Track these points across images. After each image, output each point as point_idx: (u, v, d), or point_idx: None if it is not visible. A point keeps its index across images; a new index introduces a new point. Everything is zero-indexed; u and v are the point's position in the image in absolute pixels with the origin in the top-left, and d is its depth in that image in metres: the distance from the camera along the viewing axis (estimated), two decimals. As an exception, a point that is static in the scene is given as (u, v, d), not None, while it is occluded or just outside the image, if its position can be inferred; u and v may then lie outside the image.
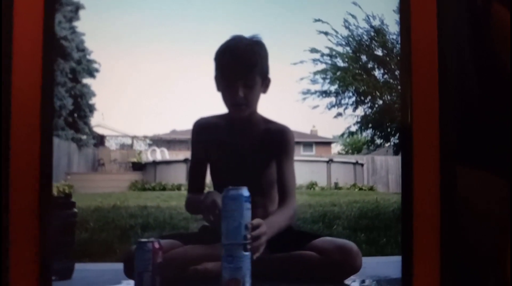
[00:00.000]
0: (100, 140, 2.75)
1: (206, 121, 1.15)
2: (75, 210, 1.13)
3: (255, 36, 1.11)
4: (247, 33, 1.13)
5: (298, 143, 3.00)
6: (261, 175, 1.13)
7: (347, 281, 1.08)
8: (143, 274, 0.93)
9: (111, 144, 2.81)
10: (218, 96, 1.13)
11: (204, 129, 1.15)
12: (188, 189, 1.16)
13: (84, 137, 2.63)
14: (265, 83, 1.10)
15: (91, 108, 2.63)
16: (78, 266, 1.09)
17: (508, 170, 0.89)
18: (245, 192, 0.90)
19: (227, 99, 1.09)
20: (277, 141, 1.13)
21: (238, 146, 1.12)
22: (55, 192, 1.05)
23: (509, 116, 0.90)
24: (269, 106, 1.23)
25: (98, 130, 2.73)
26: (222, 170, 1.14)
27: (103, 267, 1.26)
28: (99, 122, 2.71)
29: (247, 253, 0.89)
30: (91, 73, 2.63)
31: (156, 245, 0.94)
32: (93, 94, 2.63)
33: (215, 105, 1.25)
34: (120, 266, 1.01)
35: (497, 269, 0.92)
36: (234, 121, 1.12)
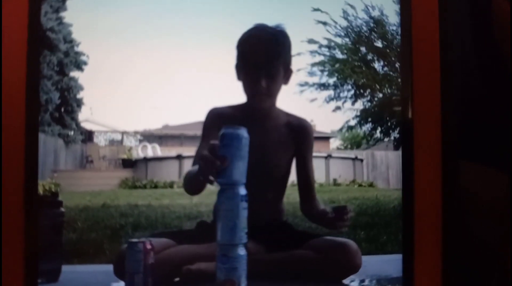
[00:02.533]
0: (88, 136, 2.74)
1: (221, 110, 1.14)
2: (63, 209, 1.12)
3: (279, 26, 1.13)
4: (242, 24, 1.13)
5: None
6: (278, 169, 1.14)
7: (346, 281, 1.09)
8: (134, 275, 0.93)
9: (100, 140, 2.80)
10: (212, 90, 1.13)
11: (220, 118, 1.13)
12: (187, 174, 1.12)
13: (71, 132, 2.61)
14: (287, 74, 1.13)
15: (79, 103, 2.62)
16: (65, 268, 1.09)
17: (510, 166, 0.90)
18: (242, 190, 0.90)
19: (248, 89, 1.10)
20: (300, 135, 1.15)
21: (256, 138, 1.13)
22: (41, 190, 1.05)
23: (513, 109, 0.90)
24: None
25: (86, 126, 2.72)
26: None
27: (92, 268, 1.26)
28: (87, 117, 2.69)
29: (242, 253, 0.89)
30: (79, 65, 2.61)
31: (148, 246, 0.95)
32: (81, 88, 2.62)
33: (208, 99, 1.25)
34: (110, 267, 1.01)
35: (500, 267, 0.92)
36: (254, 112, 1.12)
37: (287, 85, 1.14)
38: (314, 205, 1.19)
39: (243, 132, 0.92)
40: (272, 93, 1.12)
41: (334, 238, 1.12)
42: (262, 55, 1.10)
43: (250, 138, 1.10)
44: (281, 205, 1.19)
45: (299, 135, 1.17)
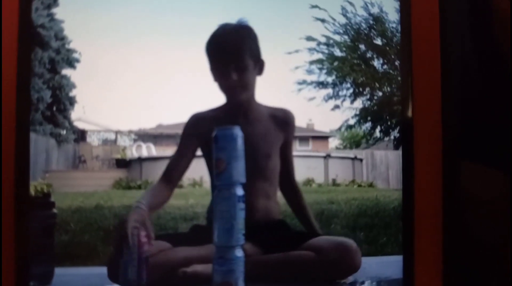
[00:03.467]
0: (81, 135, 2.73)
1: (203, 114, 1.19)
2: (55, 210, 1.12)
3: (240, 21, 1.18)
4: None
5: (294, 137, 3.01)
6: (270, 160, 1.16)
7: (346, 282, 1.09)
8: (128, 266, 0.93)
9: (93, 139, 2.79)
10: (207, 88, 1.13)
11: (201, 120, 1.17)
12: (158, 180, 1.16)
13: (63, 132, 2.60)
14: (259, 65, 1.16)
15: (71, 101, 2.61)
16: (58, 270, 1.08)
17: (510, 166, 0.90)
18: (239, 190, 0.90)
19: (222, 85, 1.15)
20: (284, 125, 1.20)
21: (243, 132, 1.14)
22: (32, 191, 1.05)
23: (514, 108, 0.91)
24: (264, 98, 1.24)
25: (79, 125, 2.71)
26: None
27: (85, 271, 1.26)
28: (79, 116, 2.68)
29: (240, 255, 0.89)
30: (71, 63, 2.60)
31: (143, 238, 0.95)
32: (73, 86, 2.61)
33: (203, 97, 1.25)
34: (103, 270, 1.01)
35: (500, 268, 0.93)
36: (233, 107, 1.16)
37: (261, 75, 1.18)
38: (295, 186, 1.24)
39: (237, 131, 0.92)
40: (245, 85, 1.16)
41: (333, 237, 1.12)
42: (227, 50, 1.15)
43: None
44: (276, 201, 1.20)
45: (286, 125, 1.21)
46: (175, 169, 1.17)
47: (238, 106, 1.17)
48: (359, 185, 2.82)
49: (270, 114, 1.21)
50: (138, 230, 0.99)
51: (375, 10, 2.18)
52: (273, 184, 1.20)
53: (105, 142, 2.74)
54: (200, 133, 1.15)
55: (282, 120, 1.21)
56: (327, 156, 2.87)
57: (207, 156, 1.17)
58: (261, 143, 1.17)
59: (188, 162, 1.18)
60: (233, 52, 1.15)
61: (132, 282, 0.96)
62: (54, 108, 2.57)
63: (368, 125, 2.56)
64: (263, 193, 1.16)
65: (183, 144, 1.18)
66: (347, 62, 2.38)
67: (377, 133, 2.59)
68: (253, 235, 0.96)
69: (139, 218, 1.02)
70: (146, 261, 0.97)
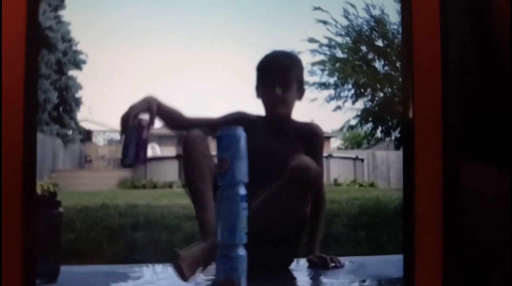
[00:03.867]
0: (87, 135, 2.73)
1: (245, 115, 1.26)
2: (61, 209, 1.12)
3: (292, 51, 1.33)
4: (242, 23, 1.19)
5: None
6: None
7: (346, 280, 1.09)
8: (128, 146, 1.05)
9: (98, 139, 2.79)
10: (212, 88, 1.14)
11: (244, 119, 1.24)
12: None
13: (70, 132, 2.61)
14: (300, 91, 1.27)
15: (78, 102, 2.61)
16: (64, 268, 1.08)
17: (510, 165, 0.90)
18: (241, 190, 0.90)
19: (265, 98, 1.24)
20: (310, 138, 1.25)
21: (273, 145, 1.22)
22: (39, 190, 1.05)
23: (514, 109, 0.90)
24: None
25: (85, 125, 2.71)
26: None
27: (90, 269, 1.26)
28: (86, 116, 2.69)
29: (242, 254, 0.89)
30: (78, 64, 2.60)
31: (143, 122, 1.07)
32: (80, 87, 2.61)
33: (208, 97, 1.26)
34: (109, 268, 1.01)
35: (501, 267, 0.92)
36: (270, 120, 1.24)
37: (300, 100, 1.28)
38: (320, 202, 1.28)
39: (240, 132, 0.92)
40: (286, 102, 1.24)
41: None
42: (277, 67, 1.24)
43: (268, 145, 1.20)
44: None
45: (311, 140, 1.25)
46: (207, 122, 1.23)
47: (275, 119, 1.24)
48: (361, 185, 2.82)
49: (301, 130, 1.26)
50: (140, 115, 1.07)
51: (376, 12, 2.18)
52: None
53: (111, 142, 2.74)
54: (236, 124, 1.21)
55: (309, 134, 1.26)
56: (329, 156, 2.87)
57: None
58: (283, 156, 1.19)
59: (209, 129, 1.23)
60: (282, 71, 1.24)
61: (129, 159, 1.06)
62: (61, 109, 2.57)
63: (369, 125, 2.56)
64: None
65: (219, 121, 1.22)
66: (349, 64, 2.37)
67: (378, 133, 2.59)
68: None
69: (145, 106, 1.10)
70: (145, 143, 1.05)
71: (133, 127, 1.06)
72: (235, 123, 1.19)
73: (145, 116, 1.11)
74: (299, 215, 1.18)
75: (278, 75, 1.23)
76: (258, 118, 1.27)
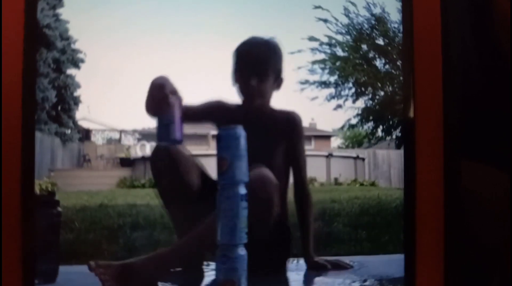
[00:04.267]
0: (85, 134, 2.73)
1: (224, 103, 1.25)
2: (60, 209, 1.12)
3: (272, 38, 1.26)
4: (243, 22, 1.20)
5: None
6: (271, 163, 1.15)
7: (347, 280, 1.09)
8: (169, 125, 1.02)
9: (97, 138, 2.79)
10: (211, 87, 1.14)
11: (222, 107, 1.24)
12: None
13: (68, 131, 2.61)
14: (278, 81, 1.24)
15: (76, 101, 2.61)
16: (63, 268, 1.08)
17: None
18: (241, 189, 0.90)
19: (240, 89, 1.21)
20: (287, 127, 1.22)
21: (251, 136, 1.16)
22: (37, 190, 1.05)
23: (516, 108, 0.90)
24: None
25: (84, 124, 2.71)
26: None
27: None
28: (84, 115, 2.69)
29: (243, 253, 0.89)
30: (76, 63, 2.60)
31: (180, 100, 1.04)
32: (78, 86, 2.61)
33: (207, 96, 1.26)
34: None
35: (502, 267, 0.92)
36: (247, 111, 1.22)
37: (278, 90, 1.25)
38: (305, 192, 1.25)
39: (240, 131, 0.92)
40: (261, 93, 1.21)
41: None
42: (253, 57, 1.21)
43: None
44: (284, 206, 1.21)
45: (291, 130, 1.23)
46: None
47: (251, 110, 1.21)
48: (361, 184, 2.82)
49: (280, 119, 1.24)
50: (175, 92, 1.04)
51: (377, 11, 2.18)
52: (283, 177, 1.21)
53: (110, 141, 2.75)
54: (216, 115, 1.22)
55: (288, 123, 1.23)
56: (330, 155, 2.87)
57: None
58: (261, 143, 1.17)
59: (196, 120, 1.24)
60: (258, 62, 1.21)
61: (176, 140, 1.02)
62: (59, 108, 2.57)
63: (370, 124, 2.56)
64: None
65: (199, 107, 1.22)
66: (350, 62, 2.37)
67: (379, 132, 2.59)
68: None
69: (171, 84, 1.06)
70: (182, 120, 1.03)
71: (170, 106, 1.02)
72: (214, 111, 1.23)
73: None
74: (269, 226, 1.11)
75: (254, 65, 1.20)
76: (236, 107, 1.24)
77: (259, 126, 1.18)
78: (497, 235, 0.93)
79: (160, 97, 1.02)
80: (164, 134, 1.02)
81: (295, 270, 1.21)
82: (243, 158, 0.91)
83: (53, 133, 2.55)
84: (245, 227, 0.90)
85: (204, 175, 1.19)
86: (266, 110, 1.24)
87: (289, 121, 1.24)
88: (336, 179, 2.81)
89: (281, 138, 1.22)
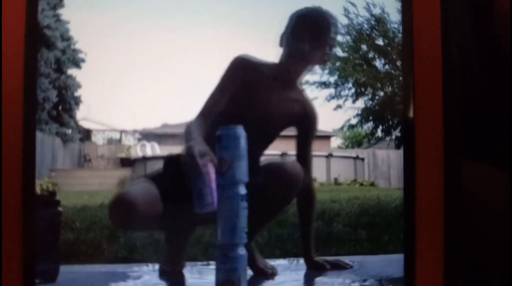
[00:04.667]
0: (86, 134, 2.73)
1: (250, 62, 1.19)
2: (60, 209, 1.12)
3: (332, 13, 1.23)
4: (243, 23, 1.19)
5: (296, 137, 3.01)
6: (273, 139, 1.19)
7: (347, 280, 1.09)
8: (202, 190, 0.96)
9: (98, 138, 2.79)
10: (210, 88, 1.14)
11: (248, 67, 1.18)
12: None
13: (69, 131, 2.61)
14: (326, 55, 1.20)
15: (77, 101, 2.61)
16: (63, 268, 1.08)
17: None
18: (242, 189, 0.90)
19: (289, 51, 1.18)
20: (307, 118, 1.21)
21: (270, 101, 1.16)
22: (38, 190, 1.05)
23: (516, 108, 0.90)
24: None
25: (84, 124, 2.71)
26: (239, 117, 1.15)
27: (90, 269, 1.26)
28: (85, 115, 2.69)
29: (243, 253, 0.89)
30: (77, 63, 2.60)
31: (213, 163, 0.97)
32: (79, 86, 2.61)
33: (205, 97, 1.25)
34: (108, 267, 1.01)
35: (502, 267, 0.92)
36: (282, 73, 1.18)
37: (322, 65, 1.25)
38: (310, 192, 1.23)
39: (240, 131, 0.92)
40: (309, 60, 1.19)
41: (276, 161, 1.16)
42: (315, 25, 1.18)
43: (272, 93, 1.15)
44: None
45: (306, 119, 1.22)
46: (214, 105, 1.17)
47: (286, 74, 1.19)
48: (361, 184, 2.82)
49: (301, 101, 1.21)
50: (206, 158, 0.98)
51: (377, 11, 2.18)
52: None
53: (110, 141, 2.74)
54: (244, 77, 1.16)
55: (305, 111, 1.21)
56: (329, 155, 2.87)
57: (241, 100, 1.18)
58: (275, 119, 1.18)
59: (225, 101, 1.17)
60: (317, 29, 1.18)
61: (210, 205, 0.95)
62: (60, 108, 2.57)
63: (370, 124, 2.56)
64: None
65: (225, 82, 1.17)
66: (349, 62, 2.37)
67: (379, 132, 2.59)
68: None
69: (203, 148, 1.00)
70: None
71: (203, 169, 0.96)
72: (239, 70, 1.17)
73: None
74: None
75: (315, 32, 1.18)
76: (262, 65, 1.20)
77: (287, 92, 1.18)
78: (496, 235, 0.93)
79: (193, 160, 0.97)
80: (198, 200, 0.96)
81: (295, 270, 1.21)
82: (243, 158, 0.91)
83: (54, 133, 2.55)
84: (245, 227, 0.90)
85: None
86: (297, 83, 1.21)
87: (308, 111, 1.22)
88: (335, 179, 2.80)
89: (299, 120, 1.21)
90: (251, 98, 1.16)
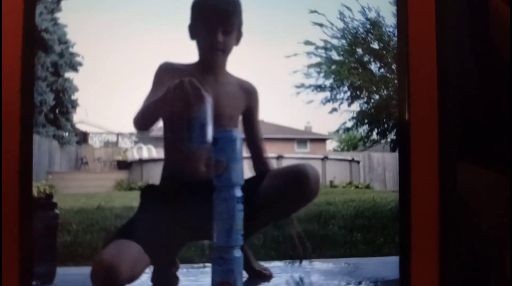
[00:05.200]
0: (83, 137, 2.73)
1: (174, 65, 1.17)
2: (57, 211, 1.12)
3: None
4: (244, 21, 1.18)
5: (292, 139, 3.01)
6: (232, 122, 1.15)
7: (343, 282, 1.09)
8: (205, 126, 0.93)
9: (95, 141, 2.79)
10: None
11: (173, 71, 1.14)
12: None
13: (66, 134, 2.60)
14: (239, 35, 1.18)
15: (74, 104, 2.61)
16: (60, 270, 1.08)
17: (509, 167, 0.90)
18: (237, 192, 0.90)
19: (205, 44, 1.15)
20: (248, 93, 1.19)
21: (211, 90, 1.08)
22: (35, 192, 1.04)
23: (510, 111, 0.91)
24: (263, 101, 1.25)
25: (81, 127, 2.71)
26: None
27: (87, 271, 1.25)
28: (82, 118, 2.68)
29: (239, 255, 0.89)
30: (74, 66, 2.60)
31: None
32: (76, 89, 2.61)
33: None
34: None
35: (498, 269, 0.92)
36: (207, 67, 1.15)
37: (237, 45, 1.18)
38: (265, 161, 1.21)
39: (236, 134, 0.92)
40: (226, 49, 1.16)
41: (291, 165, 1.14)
42: (220, 11, 1.15)
43: (206, 88, 1.04)
44: None
45: (251, 96, 1.20)
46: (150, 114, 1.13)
47: (213, 67, 1.16)
48: (356, 187, 2.83)
49: (237, 82, 1.20)
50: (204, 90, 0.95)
51: (372, 15, 2.19)
52: None
53: (107, 144, 2.74)
54: (172, 78, 1.09)
55: (247, 89, 1.20)
56: (325, 158, 2.87)
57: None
58: (226, 105, 1.15)
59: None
60: (225, 15, 1.15)
61: (208, 140, 0.93)
62: (57, 111, 2.57)
63: (365, 127, 2.57)
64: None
65: (155, 90, 1.12)
66: (345, 66, 2.38)
67: (374, 135, 2.60)
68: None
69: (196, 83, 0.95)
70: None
71: (205, 105, 0.93)
72: (166, 75, 1.11)
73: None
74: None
75: (221, 20, 1.14)
76: (186, 66, 1.18)
77: (219, 85, 1.15)
78: (492, 238, 0.94)
79: (196, 94, 0.92)
80: (199, 136, 0.92)
81: (291, 272, 1.21)
82: (239, 160, 0.91)
83: (51, 136, 2.54)
84: (241, 229, 0.90)
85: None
86: (225, 70, 1.18)
87: (249, 87, 1.20)
88: (331, 182, 2.81)
89: (241, 103, 1.19)
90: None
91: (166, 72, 1.15)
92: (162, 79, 1.13)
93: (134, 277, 0.98)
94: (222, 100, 1.12)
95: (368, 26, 2.22)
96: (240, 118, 1.20)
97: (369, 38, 2.27)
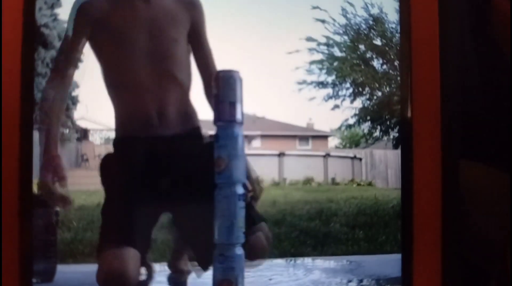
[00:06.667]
0: (83, 134, 2.72)
1: (92, 3, 1.09)
2: (57, 208, 1.12)
3: None
4: (243, 24, 1.16)
5: (294, 137, 3.01)
6: (177, 45, 1.09)
7: (344, 280, 1.09)
8: (236, 104, 0.92)
9: (95, 138, 2.78)
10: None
11: (93, 5, 1.08)
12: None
13: (66, 131, 2.60)
14: None
15: (74, 100, 2.60)
16: (60, 267, 1.08)
17: (511, 164, 0.90)
18: (239, 189, 0.90)
19: None
20: (189, 6, 1.11)
21: (147, 14, 1.05)
22: (35, 189, 1.05)
23: (513, 108, 0.90)
24: (265, 98, 1.24)
25: (82, 124, 2.70)
26: (124, 54, 1.07)
27: (87, 268, 1.26)
28: (82, 115, 2.68)
29: (240, 253, 0.89)
30: (74, 63, 2.59)
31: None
32: (76, 85, 2.60)
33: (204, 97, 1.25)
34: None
35: (500, 267, 0.92)
36: None
37: None
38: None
39: (238, 130, 0.91)
40: None
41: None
42: None
43: (140, 14, 1.04)
44: (189, 82, 1.13)
45: (193, 10, 1.12)
46: (68, 61, 1.14)
47: None
48: (359, 184, 2.83)
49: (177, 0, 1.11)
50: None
51: (375, 11, 2.18)
52: (186, 73, 1.12)
53: (107, 141, 2.74)
54: (94, 18, 1.07)
55: (188, 1, 1.11)
56: (327, 155, 2.87)
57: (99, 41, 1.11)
58: (166, 27, 1.08)
59: (79, 52, 1.13)
60: None
61: (236, 119, 0.92)
62: (57, 107, 2.57)
63: (368, 124, 2.57)
64: (178, 82, 1.09)
65: (76, 32, 1.09)
66: (347, 62, 2.38)
67: (377, 132, 2.59)
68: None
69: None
70: None
71: (236, 82, 0.91)
72: (89, 14, 1.06)
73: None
74: None
75: None
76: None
77: (151, 6, 1.07)
78: (494, 235, 0.94)
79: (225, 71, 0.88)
80: (228, 113, 0.91)
81: (293, 270, 1.21)
82: (240, 157, 0.91)
83: (51, 133, 2.53)
84: (242, 226, 0.90)
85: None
86: None
87: (195, 5, 1.12)
88: (333, 179, 2.81)
89: (184, 18, 1.10)
90: (124, 27, 1.06)
91: (88, 10, 1.08)
92: (86, 18, 1.08)
93: (138, 276, 0.99)
94: (159, 22, 1.06)
95: (370, 22, 2.21)
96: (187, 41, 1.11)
97: (371, 35, 2.27)
